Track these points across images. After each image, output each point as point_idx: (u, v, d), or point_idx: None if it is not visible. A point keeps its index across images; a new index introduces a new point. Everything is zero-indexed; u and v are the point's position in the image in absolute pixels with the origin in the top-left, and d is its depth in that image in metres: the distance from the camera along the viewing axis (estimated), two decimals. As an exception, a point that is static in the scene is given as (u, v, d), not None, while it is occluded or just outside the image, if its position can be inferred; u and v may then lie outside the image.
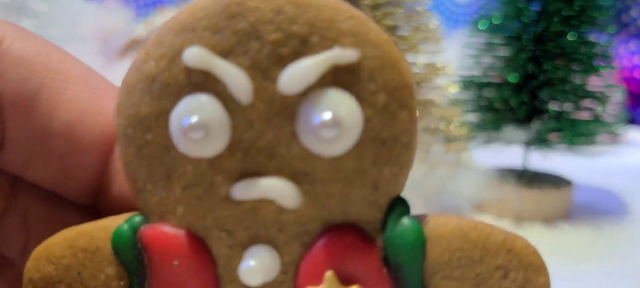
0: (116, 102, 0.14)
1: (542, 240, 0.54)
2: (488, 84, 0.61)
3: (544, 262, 0.14)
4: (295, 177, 0.13)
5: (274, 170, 0.13)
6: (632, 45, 1.14)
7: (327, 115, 0.12)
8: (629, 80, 1.08)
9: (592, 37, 0.58)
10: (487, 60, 0.61)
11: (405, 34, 0.54)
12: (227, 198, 0.13)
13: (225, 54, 0.12)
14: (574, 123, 0.58)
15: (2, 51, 0.14)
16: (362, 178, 0.13)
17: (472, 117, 0.61)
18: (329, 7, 0.13)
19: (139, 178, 0.13)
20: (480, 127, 0.60)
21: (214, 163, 0.13)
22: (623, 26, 1.20)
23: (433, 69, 0.56)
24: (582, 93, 0.59)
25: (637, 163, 0.83)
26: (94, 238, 0.14)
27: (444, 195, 0.54)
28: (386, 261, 0.13)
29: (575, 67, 0.57)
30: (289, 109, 0.13)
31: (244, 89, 0.12)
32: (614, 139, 0.61)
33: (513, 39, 0.59)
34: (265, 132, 0.13)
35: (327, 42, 0.12)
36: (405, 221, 0.13)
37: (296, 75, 0.12)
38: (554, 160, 0.63)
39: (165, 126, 0.13)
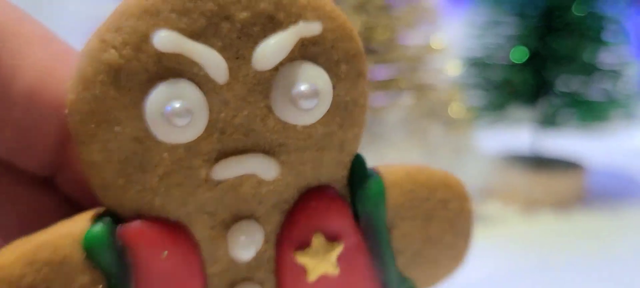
0: (69, 97, 0.13)
1: (554, 226, 0.55)
2: (492, 63, 0.61)
3: (468, 191, 0.17)
4: (271, 149, 0.14)
5: (250, 145, 0.14)
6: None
7: (306, 87, 0.14)
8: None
9: (601, 10, 0.59)
10: (491, 38, 0.62)
11: (399, 14, 0.55)
12: (207, 180, 0.14)
13: (196, 36, 0.13)
14: (584, 101, 0.59)
15: None
16: (331, 142, 0.15)
17: (476, 98, 0.62)
18: None
19: (106, 175, 0.13)
20: (484, 108, 0.61)
21: (191, 147, 0.14)
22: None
23: (429, 49, 0.56)
24: (591, 69, 0.59)
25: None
26: (59, 248, 0.13)
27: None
28: (355, 213, 0.16)
29: (583, 42, 0.58)
30: (263, 84, 0.14)
31: (220, 69, 0.13)
32: (628, 118, 0.62)
33: (518, 15, 0.60)
34: (241, 109, 0.14)
35: (293, 18, 0.14)
36: (369, 175, 0.16)
37: (269, 51, 0.14)
38: (565, 143, 0.63)
39: (136, 117, 0.13)
